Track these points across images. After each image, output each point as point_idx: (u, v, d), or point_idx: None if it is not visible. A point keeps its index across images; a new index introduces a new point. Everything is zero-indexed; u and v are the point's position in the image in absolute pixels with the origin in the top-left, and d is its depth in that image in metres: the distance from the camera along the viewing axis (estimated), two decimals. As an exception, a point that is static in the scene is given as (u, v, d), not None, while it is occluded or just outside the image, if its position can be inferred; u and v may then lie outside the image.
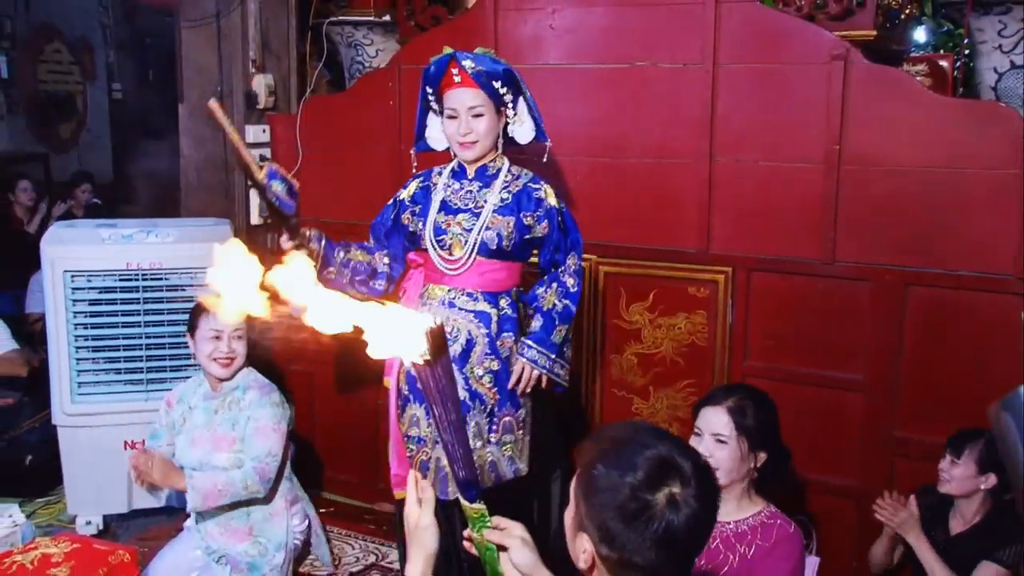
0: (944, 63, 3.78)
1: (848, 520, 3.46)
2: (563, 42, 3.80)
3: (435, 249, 3.12)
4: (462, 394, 3.03)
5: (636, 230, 3.74)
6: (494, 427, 3.11)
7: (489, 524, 1.87)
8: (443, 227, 3.11)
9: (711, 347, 3.65)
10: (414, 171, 3.29)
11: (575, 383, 3.89)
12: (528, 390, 3.10)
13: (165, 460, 3.32)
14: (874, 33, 3.47)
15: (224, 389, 3.40)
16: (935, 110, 3.23)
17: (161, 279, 4.01)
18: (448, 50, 3.04)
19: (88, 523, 4.08)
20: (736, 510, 2.55)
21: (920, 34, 4.19)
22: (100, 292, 3.98)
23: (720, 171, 3.57)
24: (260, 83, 4.36)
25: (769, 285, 3.54)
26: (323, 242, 3.08)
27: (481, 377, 3.09)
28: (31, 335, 5.37)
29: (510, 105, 3.10)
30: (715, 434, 2.53)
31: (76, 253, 3.97)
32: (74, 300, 3.95)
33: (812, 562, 3.26)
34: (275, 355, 4.38)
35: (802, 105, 3.40)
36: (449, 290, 3.12)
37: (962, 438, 3.00)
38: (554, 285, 3.15)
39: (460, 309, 3.10)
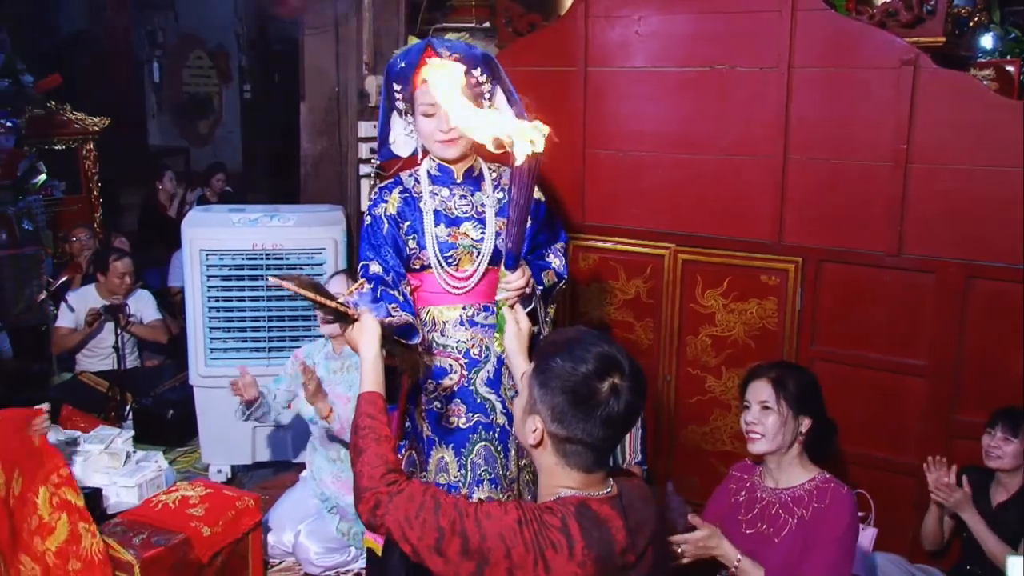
0: (1011, 68, 3.65)
1: (907, 495, 3.41)
2: (648, 47, 3.79)
3: (442, 267, 2.57)
4: (502, 419, 2.60)
5: (713, 221, 3.73)
6: (523, 451, 2.61)
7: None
8: (450, 242, 2.56)
9: (780, 331, 3.62)
10: (373, 180, 2.81)
11: (654, 361, 3.91)
12: (514, 298, 2.38)
13: (320, 384, 3.40)
14: (943, 40, 3.37)
15: (344, 353, 3.51)
16: (1000, 112, 3.14)
17: (282, 258, 4.15)
18: (413, 40, 2.61)
19: (219, 471, 4.27)
20: (792, 477, 2.57)
21: (988, 40, 4.05)
22: (230, 269, 4.14)
23: (793, 168, 3.53)
24: (372, 83, 4.45)
25: (837, 275, 3.50)
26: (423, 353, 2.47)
27: (513, 398, 2.37)
28: (172, 306, 5.59)
29: (487, 96, 2.63)
30: (761, 402, 2.56)
31: (210, 234, 4.13)
32: (208, 276, 4.12)
33: (870, 533, 3.24)
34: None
35: (872, 107, 3.34)
36: (464, 307, 2.59)
37: (1015, 416, 2.99)
38: (537, 264, 2.63)
39: (482, 326, 2.59)
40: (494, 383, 2.60)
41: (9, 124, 5.37)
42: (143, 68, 9.27)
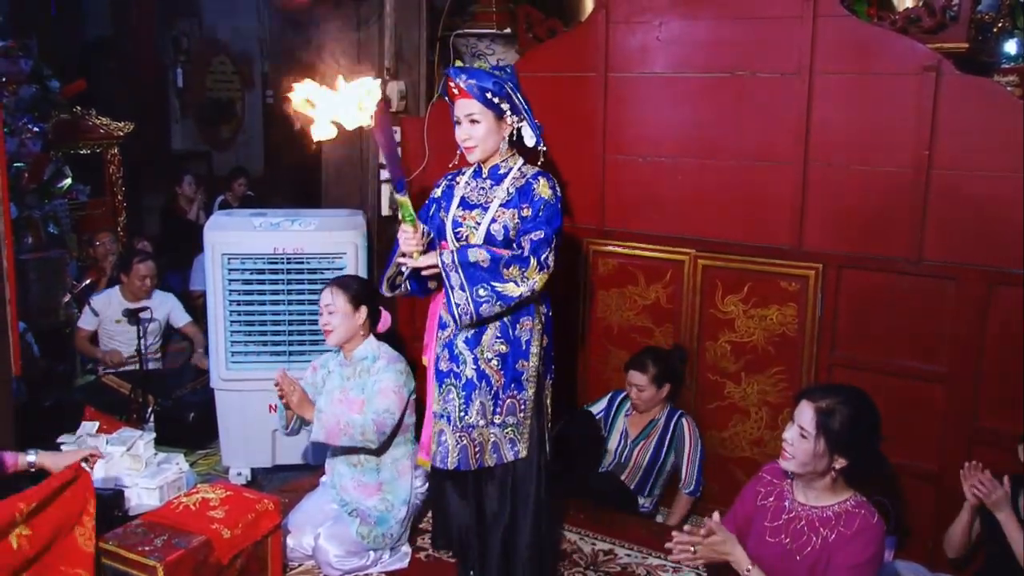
0: (1034, 74, 3.64)
1: (927, 502, 3.39)
2: (669, 52, 3.79)
3: (453, 241, 3.15)
4: (470, 372, 3.09)
5: (733, 227, 3.72)
6: (498, 408, 3.10)
7: (410, 213, 2.99)
8: (460, 221, 3.13)
9: (800, 338, 3.60)
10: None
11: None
12: (409, 261, 3.06)
13: (304, 392, 3.44)
14: (966, 46, 3.37)
15: (354, 358, 3.51)
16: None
17: (303, 262, 4.15)
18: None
19: (239, 474, 4.27)
20: (823, 496, 2.49)
21: (1011, 46, 4.03)
22: (251, 273, 4.14)
23: (814, 174, 3.52)
24: (393, 89, 4.45)
25: (857, 281, 3.48)
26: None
27: (490, 360, 3.09)
28: (194, 310, 5.60)
29: (509, 112, 3.07)
30: (801, 426, 2.44)
31: (232, 239, 4.14)
32: (230, 280, 4.13)
33: (890, 541, 3.20)
34: (403, 335, 4.50)
35: (894, 113, 3.33)
36: None
37: None
38: (510, 248, 3.05)
39: None
40: (470, 342, 3.10)
41: (36, 129, 5.42)
42: (167, 73, 9.33)
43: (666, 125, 3.84)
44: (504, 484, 3.14)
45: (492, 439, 3.11)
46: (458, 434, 3.11)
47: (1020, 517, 2.97)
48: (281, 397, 3.42)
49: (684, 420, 3.87)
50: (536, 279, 2.99)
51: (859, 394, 2.49)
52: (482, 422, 3.09)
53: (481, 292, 2.97)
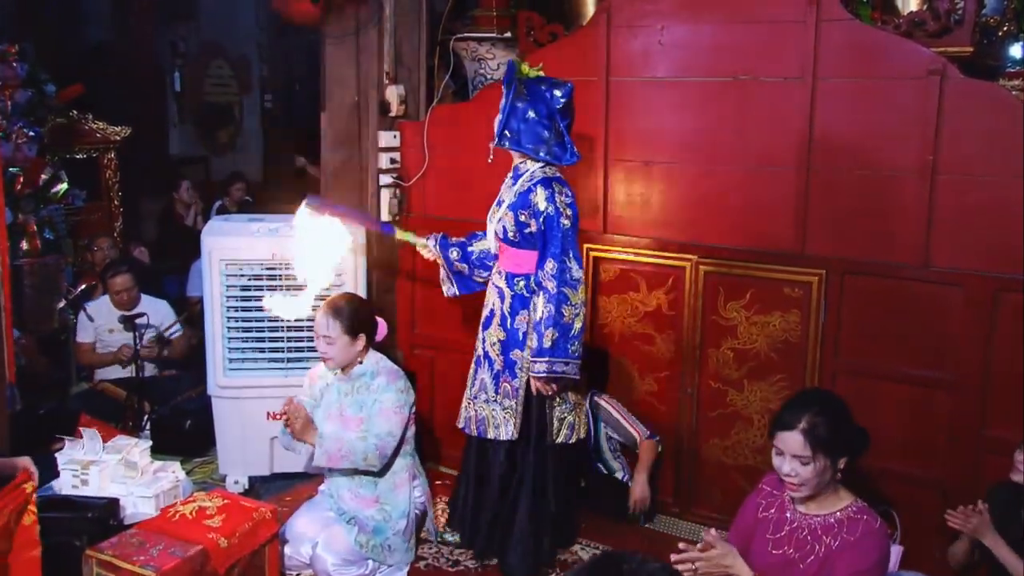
0: (1040, 78, 3.63)
1: (933, 511, 3.35)
2: (671, 57, 3.78)
3: (492, 233, 3.55)
4: (480, 351, 3.55)
5: (736, 233, 3.71)
6: (498, 389, 3.48)
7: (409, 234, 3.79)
8: (491, 215, 3.52)
9: (803, 344, 3.58)
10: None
11: (675, 375, 3.89)
12: (549, 394, 3.40)
13: (308, 418, 3.40)
14: (971, 49, 3.36)
15: (353, 374, 3.47)
16: (1030, 123, 3.10)
17: (301, 268, 4.12)
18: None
19: (236, 482, 4.25)
20: (825, 506, 2.48)
21: (1017, 50, 4.02)
22: (249, 279, 4.11)
23: (817, 179, 3.51)
24: (393, 93, 4.45)
25: (861, 287, 3.47)
26: (439, 247, 3.74)
27: (493, 344, 3.49)
28: (191, 316, 5.58)
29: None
30: (796, 455, 2.43)
31: (230, 244, 4.11)
32: (227, 286, 4.10)
33: (896, 551, 3.19)
34: (400, 342, 4.49)
35: (898, 118, 3.32)
36: (496, 268, 3.56)
37: None
38: (541, 293, 3.33)
39: (492, 284, 3.55)
40: (484, 324, 3.55)
41: (32, 133, 5.42)
42: (165, 77, 9.32)
43: (668, 130, 3.83)
44: (509, 460, 3.51)
45: (494, 416, 3.48)
46: (467, 401, 3.60)
47: None
48: (284, 421, 3.37)
49: (596, 398, 3.99)
50: (578, 296, 3.31)
51: (820, 395, 2.63)
52: (483, 396, 3.51)
53: (573, 348, 3.31)
